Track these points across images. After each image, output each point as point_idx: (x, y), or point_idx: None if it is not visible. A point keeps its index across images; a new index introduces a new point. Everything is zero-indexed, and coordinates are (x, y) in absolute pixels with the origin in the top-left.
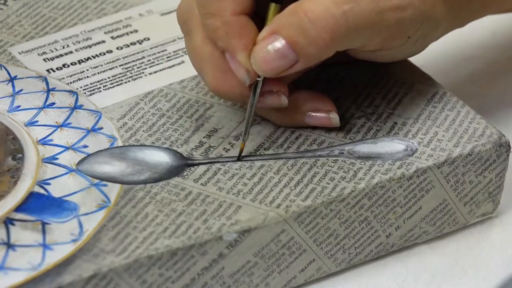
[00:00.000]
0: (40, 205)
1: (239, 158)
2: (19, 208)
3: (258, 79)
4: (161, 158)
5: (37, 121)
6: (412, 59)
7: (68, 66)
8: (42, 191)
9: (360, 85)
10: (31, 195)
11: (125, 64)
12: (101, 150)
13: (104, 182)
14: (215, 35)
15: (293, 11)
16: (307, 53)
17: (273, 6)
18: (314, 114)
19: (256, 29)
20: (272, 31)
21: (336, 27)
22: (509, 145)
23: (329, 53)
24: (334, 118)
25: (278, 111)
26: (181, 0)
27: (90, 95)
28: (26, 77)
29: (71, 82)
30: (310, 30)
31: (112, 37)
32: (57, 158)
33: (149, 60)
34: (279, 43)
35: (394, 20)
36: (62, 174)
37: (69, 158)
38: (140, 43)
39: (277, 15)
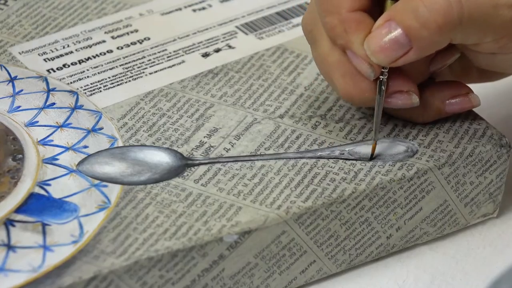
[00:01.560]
0: (40, 206)
1: (372, 157)
2: (19, 209)
3: (381, 76)
4: (161, 158)
5: (37, 122)
6: None
7: (69, 66)
8: (42, 192)
9: None
10: (31, 196)
11: (126, 64)
12: (101, 151)
13: (104, 183)
14: (333, 33)
15: None
16: (419, 37)
17: (389, 3)
18: (453, 100)
19: (372, 22)
20: (387, 18)
21: (449, 11)
22: (509, 146)
23: (441, 39)
24: (474, 98)
25: (418, 109)
26: (306, 11)
27: (91, 95)
28: (27, 77)
29: (71, 82)
30: (423, 12)
31: (113, 37)
32: (57, 159)
33: (149, 60)
34: (393, 29)
35: (510, 17)
36: (63, 175)
37: (69, 159)
38: (141, 43)
39: (393, 5)
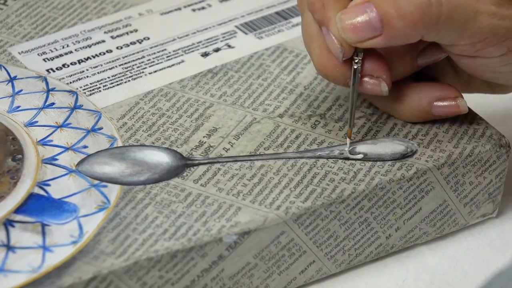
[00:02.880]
0: (40, 206)
1: (349, 148)
2: (19, 210)
3: (355, 58)
4: (161, 158)
5: (37, 122)
6: None
7: (68, 66)
8: (42, 192)
9: None
10: (31, 196)
11: (125, 63)
12: (101, 151)
13: (104, 183)
14: (312, 7)
15: None
16: (393, 26)
17: None
18: (441, 103)
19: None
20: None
21: (429, 9)
22: (509, 146)
23: (413, 34)
24: (462, 104)
25: (401, 104)
26: None
27: (90, 95)
28: (26, 77)
29: (71, 82)
30: (403, 3)
31: (112, 37)
32: (57, 159)
33: (149, 60)
34: (369, 11)
35: (488, 25)
36: (62, 175)
37: (69, 159)
38: (140, 43)
39: None
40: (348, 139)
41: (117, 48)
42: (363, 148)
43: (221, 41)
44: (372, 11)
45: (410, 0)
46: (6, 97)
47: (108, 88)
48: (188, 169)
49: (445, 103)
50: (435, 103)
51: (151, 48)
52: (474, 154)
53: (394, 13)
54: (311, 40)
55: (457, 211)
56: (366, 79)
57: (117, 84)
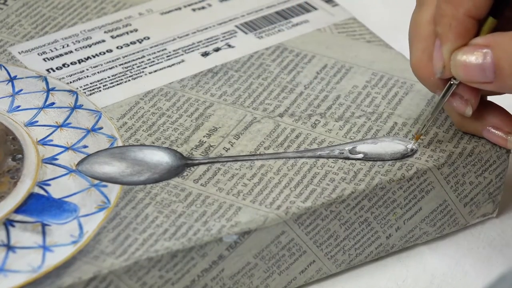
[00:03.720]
0: (40, 206)
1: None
2: (19, 210)
3: (453, 81)
4: (161, 158)
5: (37, 121)
6: None
7: (68, 65)
8: (42, 192)
9: (361, 84)
10: (31, 196)
11: (125, 63)
12: (101, 150)
13: (104, 183)
14: (440, 19)
15: None
16: (504, 81)
17: (490, 20)
18: (493, 130)
19: (476, 34)
20: (486, 44)
21: None
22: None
23: None
24: (511, 141)
25: (462, 116)
26: None
27: (90, 94)
28: (26, 77)
29: (71, 82)
30: None
31: (112, 37)
32: (57, 159)
33: (149, 59)
34: (486, 58)
35: None
36: (62, 175)
37: (69, 159)
38: (140, 42)
39: (500, 33)
40: (414, 140)
41: (117, 47)
42: (363, 147)
43: (221, 40)
44: (488, 59)
45: None
46: (6, 96)
47: (108, 87)
48: (188, 168)
49: (496, 132)
50: (488, 128)
51: (151, 47)
52: (474, 154)
53: (508, 70)
54: (418, 40)
55: (457, 211)
56: (456, 98)
57: (117, 84)
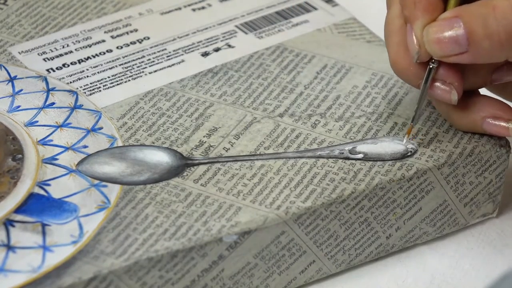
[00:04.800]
0: (40, 206)
1: (407, 140)
2: (19, 210)
3: (432, 65)
4: (161, 158)
5: (37, 121)
6: None
7: (68, 65)
8: (42, 192)
9: (361, 84)
10: (31, 196)
11: (125, 63)
12: (101, 150)
13: (104, 183)
14: (404, 2)
15: (483, 3)
16: (479, 45)
17: None
18: (492, 121)
19: (443, 9)
20: (455, 14)
21: None
22: (509, 146)
23: (499, 55)
24: None
25: (457, 112)
26: None
27: (90, 94)
28: (26, 77)
29: (71, 82)
30: (491, 23)
31: (112, 37)
32: (57, 159)
33: (149, 59)
34: (457, 27)
35: None
36: (62, 175)
37: (69, 159)
38: (140, 42)
39: (466, 5)
40: (406, 135)
41: (117, 47)
42: (363, 147)
43: (221, 40)
44: (459, 27)
45: (499, 20)
46: (6, 96)
47: (108, 87)
48: (188, 168)
49: (496, 122)
50: (488, 119)
51: (151, 47)
52: (474, 154)
53: (481, 33)
54: (391, 35)
55: (457, 211)
56: (438, 84)
57: (117, 84)
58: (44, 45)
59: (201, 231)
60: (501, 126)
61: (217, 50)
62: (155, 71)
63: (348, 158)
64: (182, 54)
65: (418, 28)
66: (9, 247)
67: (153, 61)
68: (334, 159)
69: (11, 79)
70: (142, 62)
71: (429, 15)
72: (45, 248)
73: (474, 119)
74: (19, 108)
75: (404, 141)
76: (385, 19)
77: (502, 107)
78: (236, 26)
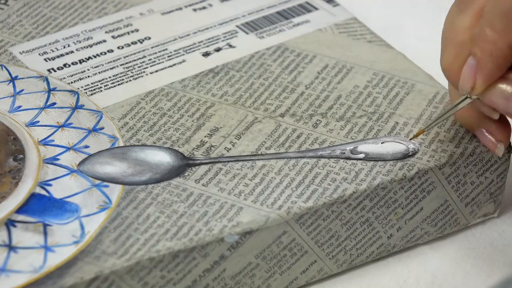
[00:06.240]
0: (41, 206)
1: (411, 138)
2: (20, 210)
3: (473, 96)
4: (162, 158)
5: (38, 121)
6: (413, 59)
7: (69, 65)
8: (43, 192)
9: (362, 84)
10: (33, 196)
11: (126, 63)
12: (102, 151)
13: (105, 183)
14: (481, 44)
15: None
16: None
17: None
18: (486, 134)
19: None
20: None
21: None
22: (510, 146)
23: None
24: (499, 149)
25: (475, 105)
26: None
27: (91, 94)
28: (27, 77)
29: (72, 82)
30: None
31: (113, 37)
32: (58, 159)
33: (150, 59)
34: None
35: None
36: (64, 175)
37: (70, 159)
38: (141, 42)
39: None
40: (413, 136)
41: (118, 48)
42: (364, 147)
43: (222, 40)
44: None
45: None
46: (7, 97)
47: (109, 88)
48: (190, 169)
49: (488, 137)
50: (482, 130)
51: (152, 48)
52: (476, 154)
53: None
54: (453, 44)
55: (458, 211)
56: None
57: (118, 84)
58: (45, 45)
59: (202, 231)
60: (491, 141)
61: (218, 50)
62: (156, 71)
63: (349, 158)
64: (183, 54)
65: (482, 78)
66: (11, 247)
67: (154, 61)
68: (335, 159)
69: (12, 79)
70: (143, 62)
71: (499, 72)
72: (46, 248)
73: (471, 123)
74: (20, 108)
75: (408, 139)
76: (450, 17)
77: (501, 126)
78: (237, 26)
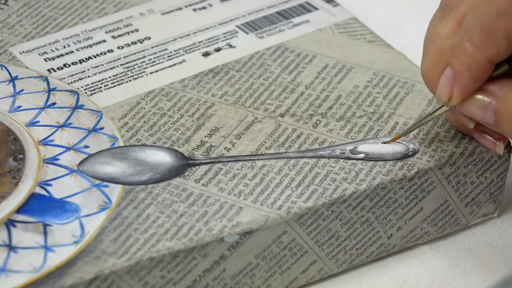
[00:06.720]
0: (41, 206)
1: (386, 142)
2: (20, 210)
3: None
4: (162, 158)
5: (38, 121)
6: (413, 59)
7: (69, 65)
8: (43, 192)
9: (362, 84)
10: (33, 196)
11: (126, 63)
12: (102, 151)
13: (105, 183)
14: (459, 56)
15: None
16: (502, 130)
17: (505, 67)
18: (484, 134)
19: (490, 73)
20: (493, 92)
21: None
22: (510, 146)
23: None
24: (499, 147)
25: (452, 112)
26: None
27: (91, 94)
28: (27, 77)
29: (72, 82)
30: None
31: (113, 37)
32: (58, 159)
33: (150, 59)
34: (490, 108)
35: None
36: (64, 175)
37: (70, 159)
38: (141, 42)
39: (509, 82)
40: (391, 138)
41: (118, 47)
42: (364, 147)
43: (222, 40)
44: (491, 109)
45: None
46: (7, 97)
47: (109, 88)
48: (190, 169)
49: (487, 137)
50: (480, 130)
51: (152, 47)
52: (476, 154)
53: (506, 126)
54: (433, 50)
55: (458, 211)
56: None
57: (118, 84)
58: (45, 45)
59: (202, 231)
60: (491, 141)
61: (218, 50)
62: (156, 71)
63: (349, 158)
64: (183, 54)
65: (459, 90)
66: (11, 247)
67: (154, 61)
68: (335, 159)
69: (12, 79)
70: (143, 62)
71: (476, 84)
72: (46, 248)
73: (466, 127)
74: (20, 108)
75: (386, 140)
76: (433, 23)
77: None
78: (237, 26)
